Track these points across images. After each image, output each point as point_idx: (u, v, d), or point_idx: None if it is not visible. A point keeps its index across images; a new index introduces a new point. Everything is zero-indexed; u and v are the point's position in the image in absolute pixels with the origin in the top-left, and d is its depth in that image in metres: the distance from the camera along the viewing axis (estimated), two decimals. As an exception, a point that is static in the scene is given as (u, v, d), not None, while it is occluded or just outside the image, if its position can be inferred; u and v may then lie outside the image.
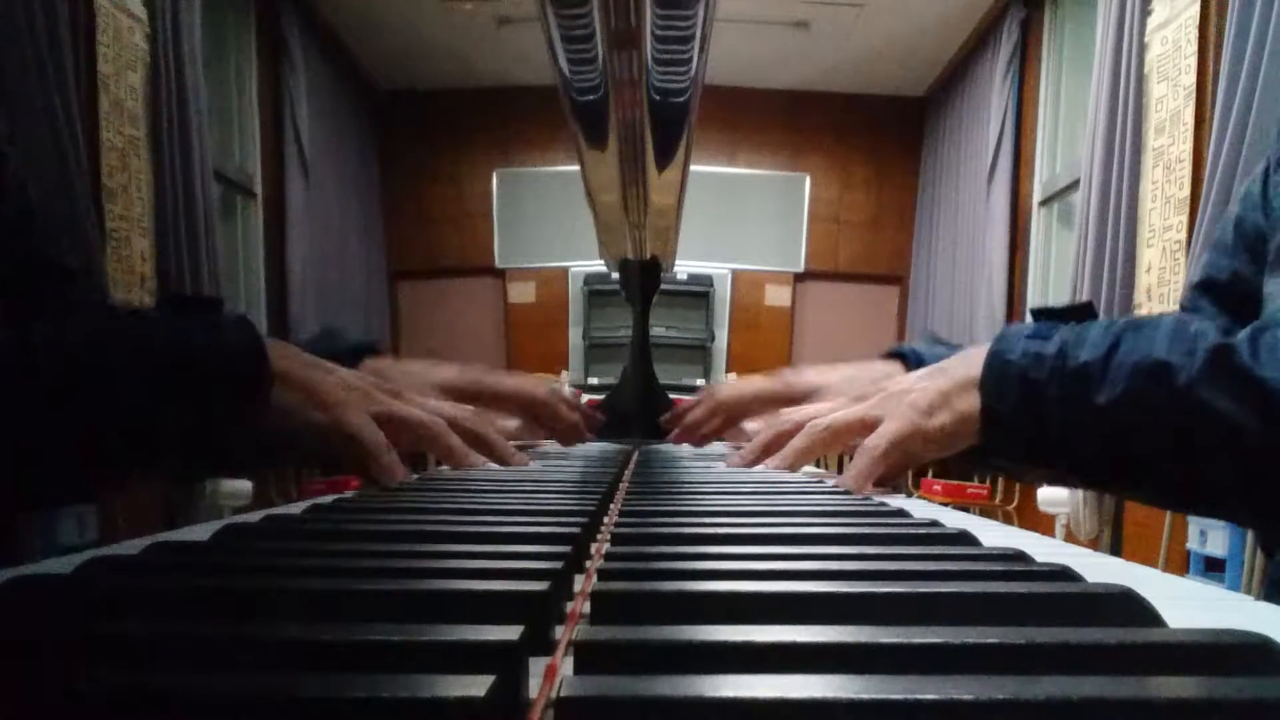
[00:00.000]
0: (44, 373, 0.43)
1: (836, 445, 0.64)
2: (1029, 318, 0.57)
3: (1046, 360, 0.50)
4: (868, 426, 0.61)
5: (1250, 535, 2.13)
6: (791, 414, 0.69)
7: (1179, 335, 0.47)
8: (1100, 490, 0.64)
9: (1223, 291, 0.65)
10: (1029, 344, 0.52)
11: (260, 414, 0.51)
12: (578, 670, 0.18)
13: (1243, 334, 0.46)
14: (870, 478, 0.61)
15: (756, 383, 0.86)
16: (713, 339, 4.92)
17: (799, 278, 5.22)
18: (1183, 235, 2.51)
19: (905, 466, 0.66)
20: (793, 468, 0.67)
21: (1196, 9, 2.51)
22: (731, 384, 0.74)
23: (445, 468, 0.67)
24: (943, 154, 4.80)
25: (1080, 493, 2.98)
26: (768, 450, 0.70)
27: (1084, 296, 2.94)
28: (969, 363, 0.56)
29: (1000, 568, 0.28)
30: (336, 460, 0.64)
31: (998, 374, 0.53)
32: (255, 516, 0.39)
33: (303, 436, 0.56)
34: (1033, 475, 0.61)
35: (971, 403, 0.55)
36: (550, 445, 0.96)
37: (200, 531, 0.36)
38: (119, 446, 0.46)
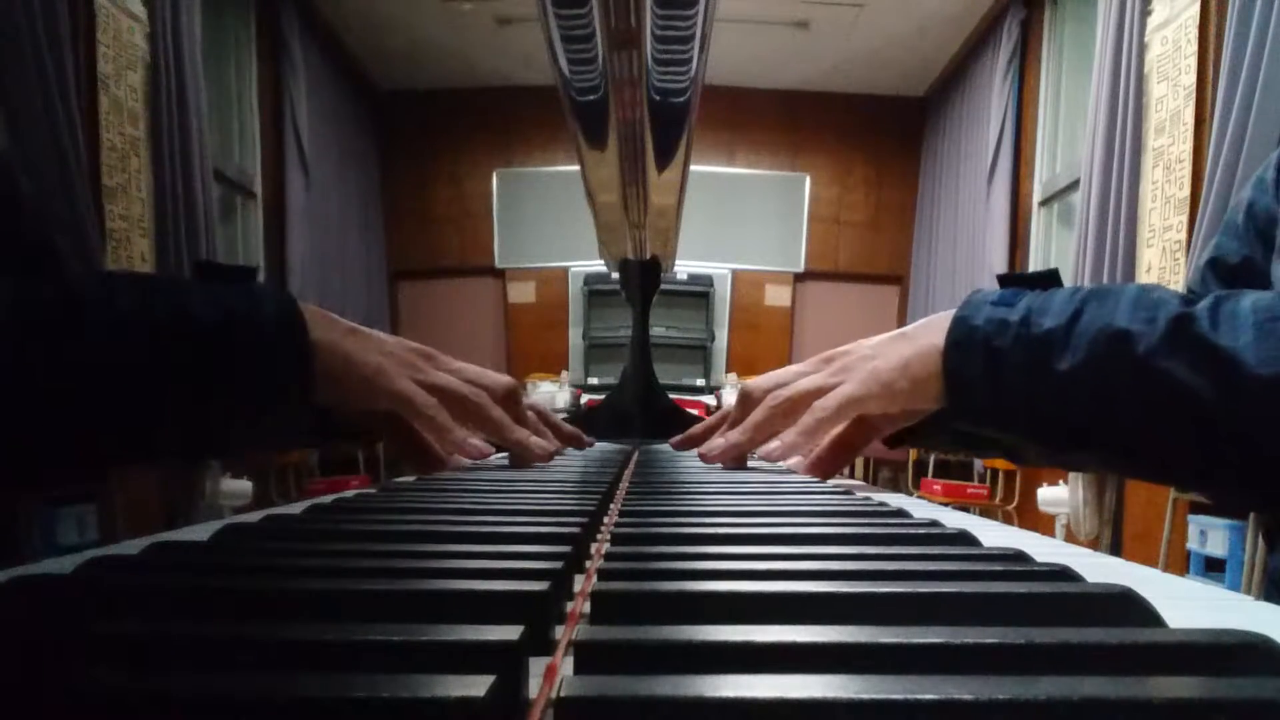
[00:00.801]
0: (90, 330, 0.41)
1: (794, 418, 0.63)
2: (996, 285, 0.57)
3: (1011, 327, 0.50)
4: (828, 393, 0.60)
5: (1250, 534, 2.13)
6: (758, 381, 0.68)
7: (1141, 303, 0.47)
8: (1064, 462, 0.64)
9: (1232, 273, 0.65)
10: (994, 310, 0.52)
11: (301, 388, 0.49)
12: (578, 670, 0.18)
13: (1204, 302, 0.46)
14: (813, 436, 0.60)
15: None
16: (713, 339, 4.92)
17: (799, 278, 5.23)
18: (1183, 235, 2.51)
19: (866, 434, 0.65)
20: (752, 443, 0.66)
21: (1196, 9, 2.51)
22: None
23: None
24: (943, 154, 4.80)
25: (1080, 492, 2.98)
26: (733, 425, 0.68)
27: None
28: (933, 329, 0.56)
29: (1000, 568, 0.28)
30: (363, 436, 0.62)
31: (962, 340, 0.52)
32: (255, 516, 0.39)
33: (343, 406, 0.55)
34: (995, 449, 0.61)
35: (932, 368, 0.55)
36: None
37: (200, 531, 0.36)
38: (155, 417, 0.45)
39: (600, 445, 1.04)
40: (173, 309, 0.45)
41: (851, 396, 0.58)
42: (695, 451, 0.92)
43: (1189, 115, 2.53)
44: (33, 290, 0.42)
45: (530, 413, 0.70)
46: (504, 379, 0.66)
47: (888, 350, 0.59)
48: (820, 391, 0.61)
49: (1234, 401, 0.43)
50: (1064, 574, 0.27)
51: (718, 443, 0.68)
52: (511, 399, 0.65)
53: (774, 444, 0.63)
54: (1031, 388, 0.49)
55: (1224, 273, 0.66)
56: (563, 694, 0.15)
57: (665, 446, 1.04)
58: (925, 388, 0.55)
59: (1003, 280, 0.55)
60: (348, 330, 0.54)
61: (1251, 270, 0.64)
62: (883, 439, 0.65)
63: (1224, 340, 0.44)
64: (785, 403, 0.63)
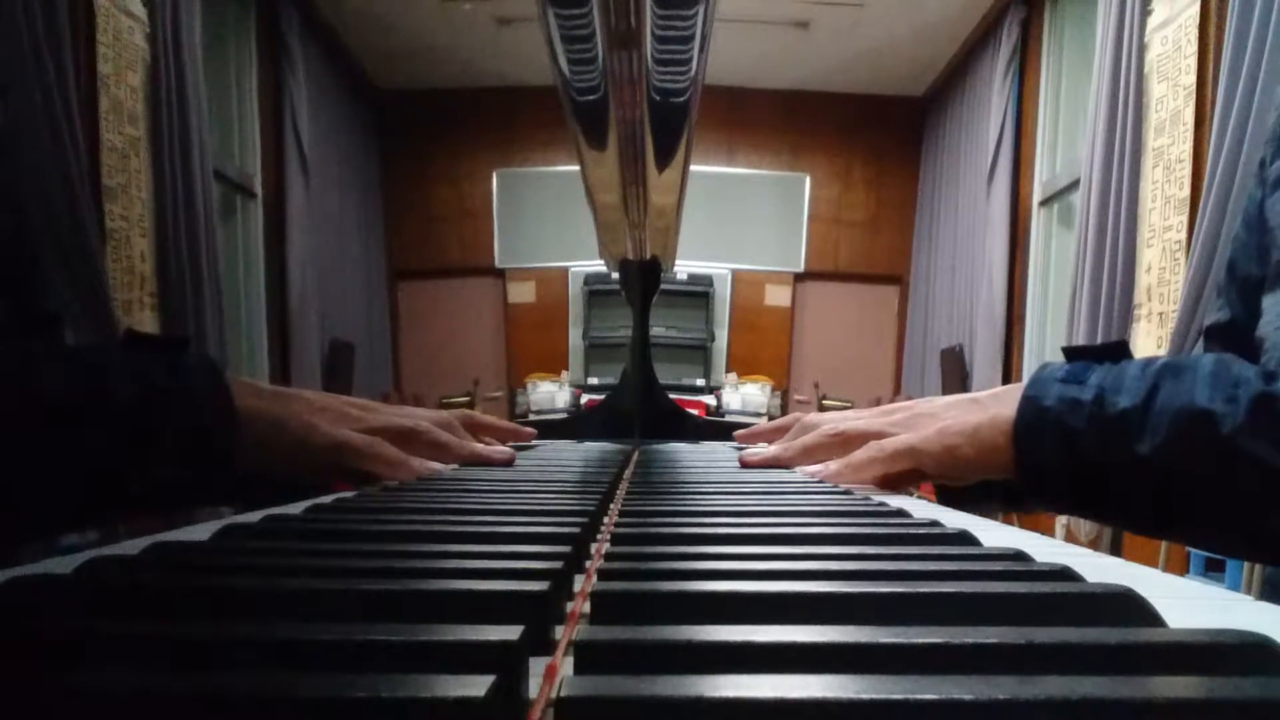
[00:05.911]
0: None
1: (844, 451, 0.63)
2: (1060, 356, 0.56)
3: (1084, 407, 0.49)
4: (882, 439, 0.61)
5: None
6: (814, 416, 0.70)
7: (1219, 381, 0.46)
8: (1141, 534, 0.63)
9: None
10: (1064, 389, 0.51)
11: (227, 458, 0.49)
12: (578, 670, 0.18)
13: None
14: (860, 471, 0.60)
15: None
16: (713, 339, 4.92)
17: (799, 278, 5.23)
18: (1183, 235, 2.51)
19: (912, 480, 0.65)
20: (794, 462, 0.67)
21: (1196, 9, 2.51)
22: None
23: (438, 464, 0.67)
24: (943, 154, 4.80)
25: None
26: (770, 440, 0.70)
27: (1084, 296, 2.94)
28: (1003, 400, 0.55)
29: (1000, 568, 0.28)
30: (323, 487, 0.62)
31: (1033, 421, 0.51)
32: (255, 516, 0.39)
33: (283, 471, 0.55)
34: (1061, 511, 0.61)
35: (1001, 440, 0.54)
36: (553, 443, 0.96)
37: (200, 531, 0.36)
38: (71, 493, 0.44)
39: (600, 445, 1.04)
40: (90, 385, 0.44)
41: (911, 446, 0.58)
42: (700, 450, 0.92)
43: (1189, 115, 2.53)
44: None
45: (468, 423, 0.73)
46: (440, 413, 0.69)
47: (956, 414, 0.58)
48: (879, 435, 0.62)
49: None
50: (1064, 574, 0.27)
51: (761, 451, 0.71)
52: (451, 429, 0.68)
53: (817, 467, 0.64)
54: (1110, 470, 0.48)
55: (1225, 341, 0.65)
56: (563, 694, 0.15)
57: (665, 446, 1.04)
58: (992, 459, 0.54)
59: (1068, 353, 0.54)
60: (273, 394, 0.55)
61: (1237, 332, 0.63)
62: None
63: None
64: (840, 436, 0.65)
